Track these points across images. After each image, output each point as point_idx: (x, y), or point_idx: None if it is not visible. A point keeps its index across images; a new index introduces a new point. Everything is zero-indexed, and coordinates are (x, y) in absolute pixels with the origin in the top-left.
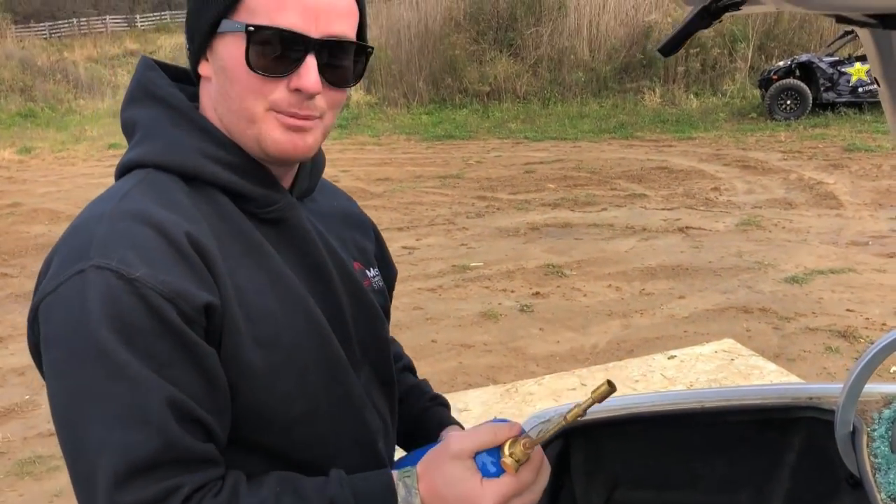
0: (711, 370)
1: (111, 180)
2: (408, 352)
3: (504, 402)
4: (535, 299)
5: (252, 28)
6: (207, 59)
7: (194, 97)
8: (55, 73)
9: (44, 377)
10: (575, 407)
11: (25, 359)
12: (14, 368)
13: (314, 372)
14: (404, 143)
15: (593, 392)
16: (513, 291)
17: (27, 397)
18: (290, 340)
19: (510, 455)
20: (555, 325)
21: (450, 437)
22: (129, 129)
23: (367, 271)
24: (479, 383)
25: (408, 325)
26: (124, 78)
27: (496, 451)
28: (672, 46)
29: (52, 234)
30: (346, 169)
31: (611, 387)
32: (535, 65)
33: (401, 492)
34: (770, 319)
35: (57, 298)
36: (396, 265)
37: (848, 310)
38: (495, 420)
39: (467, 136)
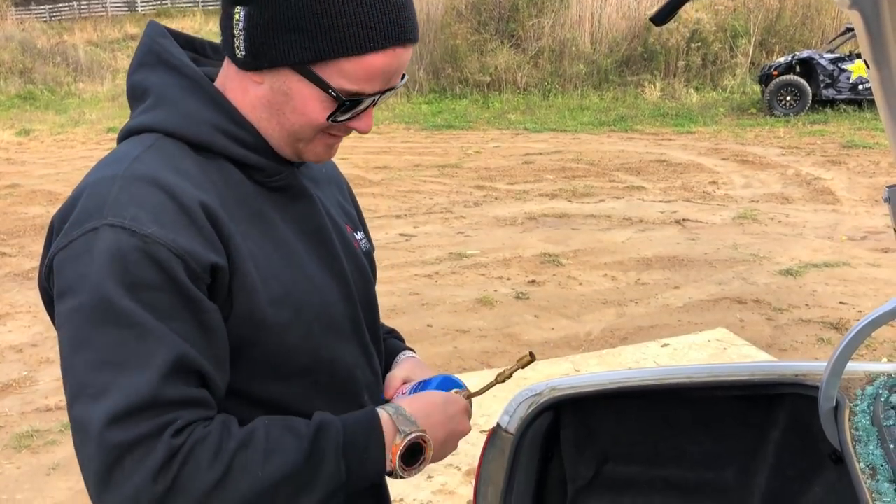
0: (704, 359)
1: None
2: (403, 336)
3: (498, 386)
4: (530, 287)
5: (347, 102)
6: (266, 72)
7: (198, 65)
8: (55, 55)
9: (56, 329)
10: (503, 370)
11: (23, 336)
12: (12, 346)
13: (317, 330)
14: (403, 131)
15: (518, 360)
16: (509, 279)
17: (25, 373)
18: (297, 300)
19: None
20: (550, 312)
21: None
22: (138, 93)
23: (356, 234)
24: (473, 367)
25: (404, 310)
26: (124, 62)
27: None
28: (664, 15)
29: (49, 216)
30: (345, 156)
31: (532, 357)
32: (537, 56)
33: (389, 411)
34: (763, 310)
35: (70, 252)
36: (394, 252)
37: (841, 302)
38: (444, 377)
39: (467, 126)
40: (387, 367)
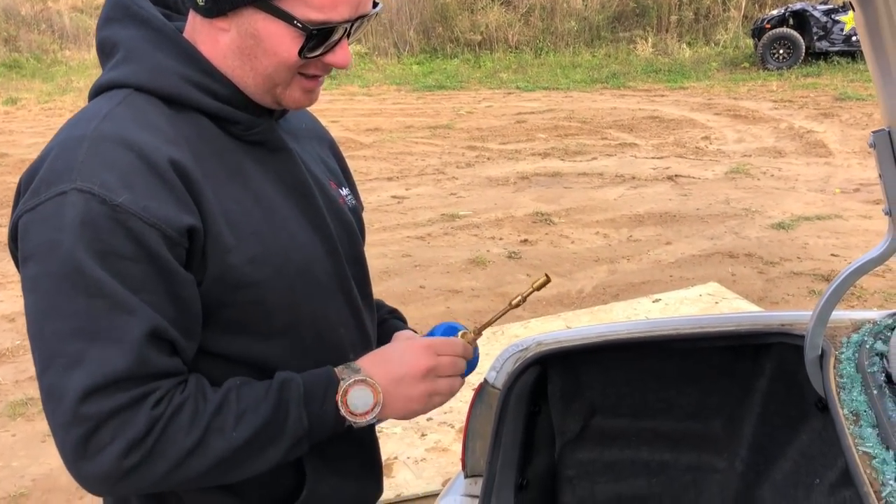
0: (696, 313)
1: None
2: (396, 297)
3: (491, 344)
4: (522, 246)
5: (315, 31)
6: (229, 17)
7: (171, 21)
8: (40, 22)
9: (22, 291)
10: (517, 296)
11: (15, 305)
12: (4, 315)
13: (300, 287)
14: (394, 93)
15: (533, 283)
16: (501, 239)
17: (18, 342)
18: (278, 257)
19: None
20: (542, 270)
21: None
22: (107, 48)
23: (341, 190)
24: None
25: (396, 272)
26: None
27: None
28: None
29: None
30: (336, 119)
31: (547, 278)
32: (528, 14)
33: (343, 370)
34: (755, 264)
35: (36, 216)
36: (386, 214)
37: (832, 254)
38: (447, 325)
39: (458, 87)
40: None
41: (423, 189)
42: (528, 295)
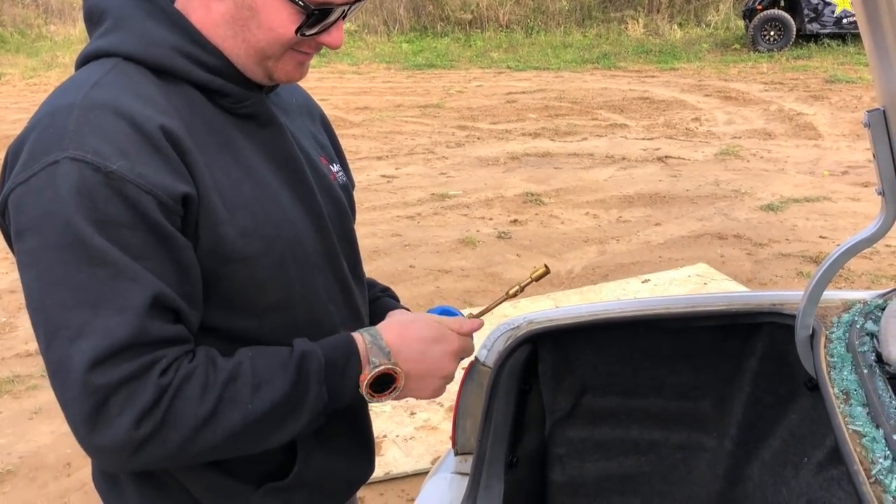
0: (685, 294)
1: None
2: (385, 277)
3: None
4: (512, 226)
5: (315, 10)
6: None
7: None
8: None
9: (17, 266)
10: (515, 286)
11: (1, 283)
12: None
13: (290, 262)
14: (384, 71)
15: (532, 273)
16: (491, 219)
17: (4, 319)
18: (268, 231)
19: None
20: (532, 251)
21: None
22: (95, 17)
23: (332, 166)
24: (455, 306)
25: (386, 252)
26: None
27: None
28: None
29: None
30: (325, 97)
31: (547, 269)
32: None
33: (366, 337)
34: (744, 245)
35: (29, 188)
36: (375, 193)
37: (821, 236)
38: (443, 308)
39: (448, 66)
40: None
41: (413, 168)
42: (525, 285)
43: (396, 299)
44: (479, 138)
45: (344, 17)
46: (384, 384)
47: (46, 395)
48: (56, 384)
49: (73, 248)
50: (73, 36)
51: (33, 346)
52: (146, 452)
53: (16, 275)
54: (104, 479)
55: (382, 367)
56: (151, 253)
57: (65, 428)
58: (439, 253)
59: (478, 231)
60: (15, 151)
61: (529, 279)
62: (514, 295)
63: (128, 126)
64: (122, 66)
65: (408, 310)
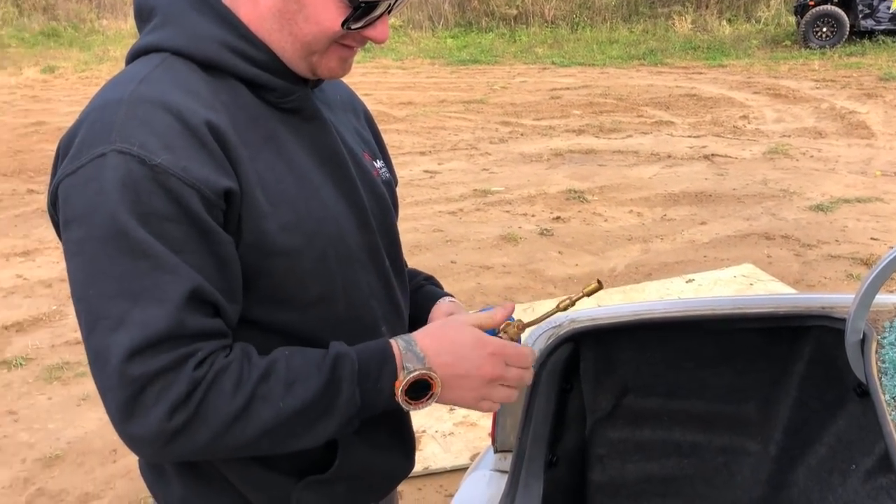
0: (730, 294)
1: None
2: (427, 272)
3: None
4: (555, 223)
5: (363, 4)
6: None
7: None
8: None
9: (64, 254)
10: (566, 298)
11: (52, 272)
12: (42, 280)
13: (332, 257)
14: (428, 67)
15: (584, 287)
16: (533, 216)
17: (54, 307)
18: (310, 226)
19: (504, 333)
20: (574, 248)
21: (448, 318)
22: (145, 13)
23: (375, 162)
24: (496, 303)
25: (427, 247)
26: None
27: (492, 332)
28: None
29: None
30: (369, 92)
31: (599, 284)
32: None
33: (400, 344)
34: (792, 246)
35: (77, 179)
36: (418, 188)
37: (872, 238)
38: (486, 310)
39: (493, 61)
40: (424, 312)
41: (456, 164)
42: (577, 299)
43: (440, 287)
44: (522, 134)
45: (389, 12)
46: (420, 391)
47: (93, 383)
48: (95, 373)
49: (116, 239)
50: (124, 30)
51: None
52: (178, 444)
53: (50, 272)
54: (150, 468)
55: (417, 373)
56: (192, 247)
57: None
58: (481, 249)
59: (520, 228)
60: (66, 144)
61: (581, 293)
62: (565, 308)
63: (174, 120)
64: (169, 60)
65: (452, 297)
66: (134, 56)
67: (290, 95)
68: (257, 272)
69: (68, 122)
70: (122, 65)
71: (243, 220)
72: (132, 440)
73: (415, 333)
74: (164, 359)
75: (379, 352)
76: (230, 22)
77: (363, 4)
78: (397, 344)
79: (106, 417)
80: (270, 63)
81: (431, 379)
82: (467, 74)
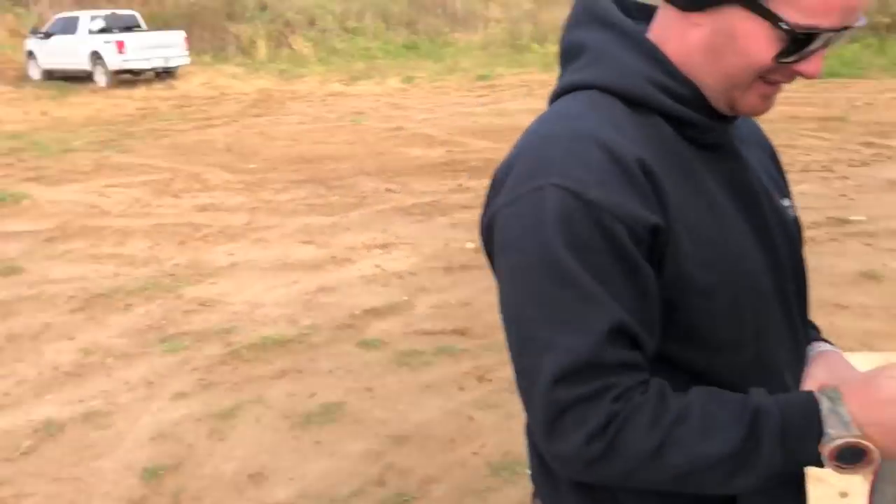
0: None
1: (479, 110)
2: None
3: None
4: None
5: (801, 36)
6: (706, 12)
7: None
8: (436, 7)
9: (496, 279)
10: None
11: (404, 265)
12: (396, 272)
13: (744, 299)
14: None
15: None
16: None
17: (405, 298)
18: (727, 266)
19: None
20: None
21: (874, 371)
22: (573, 52)
23: (783, 201)
24: (851, 348)
25: None
26: (495, 12)
27: None
28: None
29: (427, 158)
30: None
31: None
32: None
33: (825, 403)
34: None
35: (516, 210)
36: None
37: None
38: None
39: (856, 74)
40: None
41: (808, 187)
42: None
43: (818, 331)
44: (889, 157)
45: (826, 46)
46: (852, 455)
47: (437, 372)
48: (521, 389)
49: (548, 268)
50: (474, 42)
51: (428, 325)
52: (595, 470)
53: (415, 259)
54: (544, 478)
55: (842, 441)
56: (618, 279)
57: (451, 405)
58: (835, 285)
59: (884, 264)
60: (501, 176)
61: None
62: None
63: (607, 157)
64: (596, 97)
65: (832, 344)
66: (562, 92)
67: (710, 131)
68: (673, 308)
69: (421, 128)
70: (469, 76)
71: (666, 256)
72: (554, 458)
73: (842, 388)
74: (585, 387)
75: (803, 408)
76: (656, 58)
77: (801, 36)
78: (822, 404)
79: (446, 407)
80: (693, 99)
81: (865, 447)
82: (824, 89)
